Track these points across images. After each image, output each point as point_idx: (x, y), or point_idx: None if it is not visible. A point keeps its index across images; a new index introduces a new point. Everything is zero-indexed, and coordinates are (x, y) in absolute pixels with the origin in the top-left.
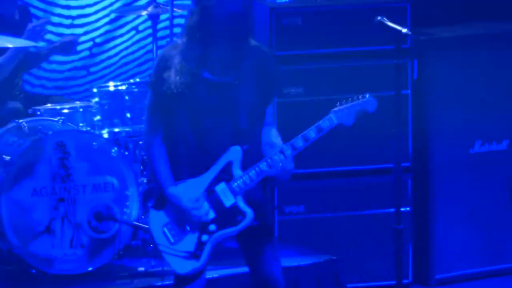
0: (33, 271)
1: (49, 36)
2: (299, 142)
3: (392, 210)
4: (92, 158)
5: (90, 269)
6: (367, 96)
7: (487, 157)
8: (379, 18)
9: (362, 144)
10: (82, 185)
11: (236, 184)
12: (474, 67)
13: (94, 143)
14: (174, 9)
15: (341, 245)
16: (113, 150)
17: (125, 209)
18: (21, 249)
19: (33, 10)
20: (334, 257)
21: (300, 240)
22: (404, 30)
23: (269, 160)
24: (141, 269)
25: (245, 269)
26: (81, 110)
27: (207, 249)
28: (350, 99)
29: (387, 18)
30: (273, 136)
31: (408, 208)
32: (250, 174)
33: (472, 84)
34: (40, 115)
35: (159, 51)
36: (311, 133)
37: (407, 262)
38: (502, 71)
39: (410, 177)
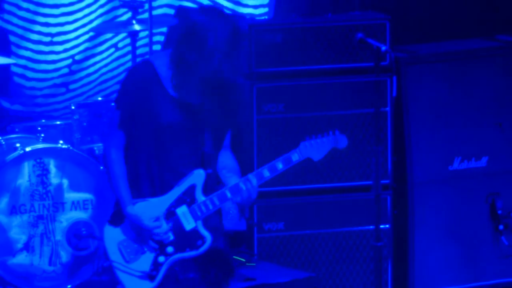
0: None
1: (28, 54)
2: (266, 172)
3: (371, 227)
4: (71, 175)
5: (69, 286)
6: (337, 132)
7: (466, 174)
8: (358, 35)
9: (341, 161)
10: (61, 202)
11: (198, 208)
12: (453, 84)
13: (73, 160)
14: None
15: (320, 262)
16: (92, 167)
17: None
18: (0, 266)
19: (12, 28)
20: (314, 274)
21: (279, 257)
22: (384, 47)
23: (234, 188)
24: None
25: None
26: (60, 127)
27: (162, 270)
28: (320, 134)
29: (367, 35)
30: (231, 160)
31: (387, 225)
32: (214, 199)
33: (451, 101)
34: (18, 132)
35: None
36: (279, 164)
37: (387, 279)
38: (481, 88)
39: (389, 194)
